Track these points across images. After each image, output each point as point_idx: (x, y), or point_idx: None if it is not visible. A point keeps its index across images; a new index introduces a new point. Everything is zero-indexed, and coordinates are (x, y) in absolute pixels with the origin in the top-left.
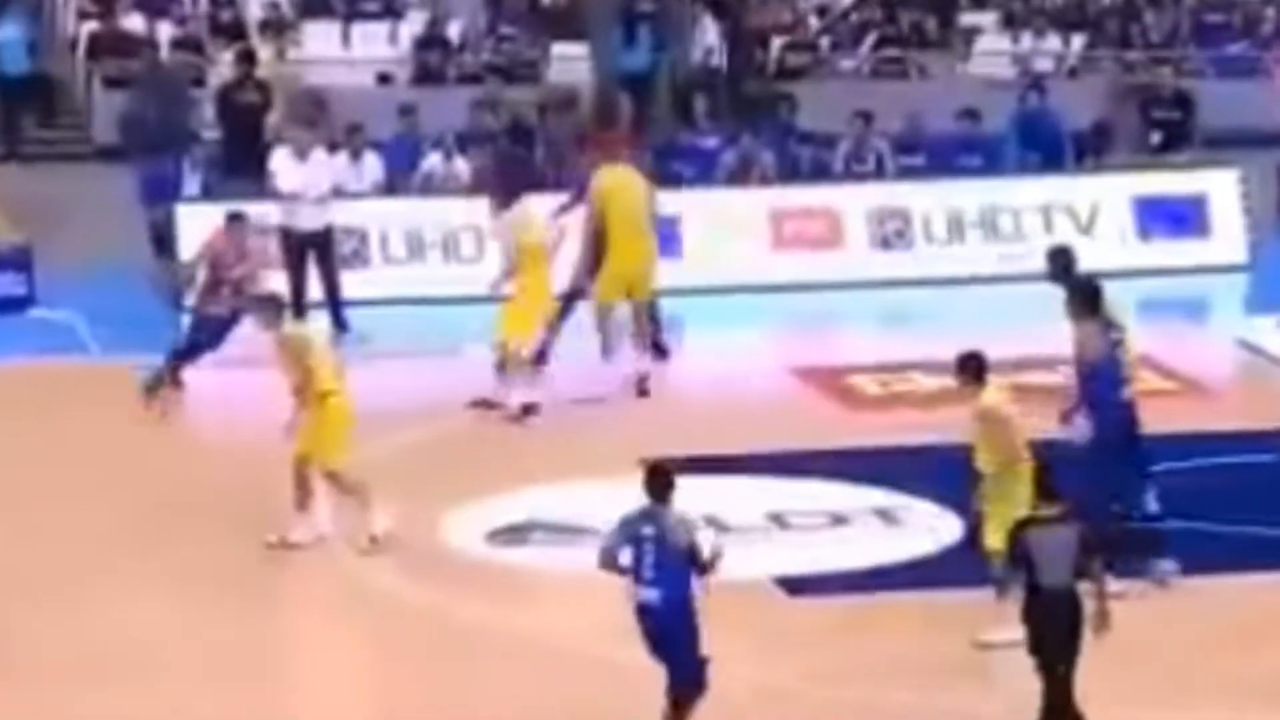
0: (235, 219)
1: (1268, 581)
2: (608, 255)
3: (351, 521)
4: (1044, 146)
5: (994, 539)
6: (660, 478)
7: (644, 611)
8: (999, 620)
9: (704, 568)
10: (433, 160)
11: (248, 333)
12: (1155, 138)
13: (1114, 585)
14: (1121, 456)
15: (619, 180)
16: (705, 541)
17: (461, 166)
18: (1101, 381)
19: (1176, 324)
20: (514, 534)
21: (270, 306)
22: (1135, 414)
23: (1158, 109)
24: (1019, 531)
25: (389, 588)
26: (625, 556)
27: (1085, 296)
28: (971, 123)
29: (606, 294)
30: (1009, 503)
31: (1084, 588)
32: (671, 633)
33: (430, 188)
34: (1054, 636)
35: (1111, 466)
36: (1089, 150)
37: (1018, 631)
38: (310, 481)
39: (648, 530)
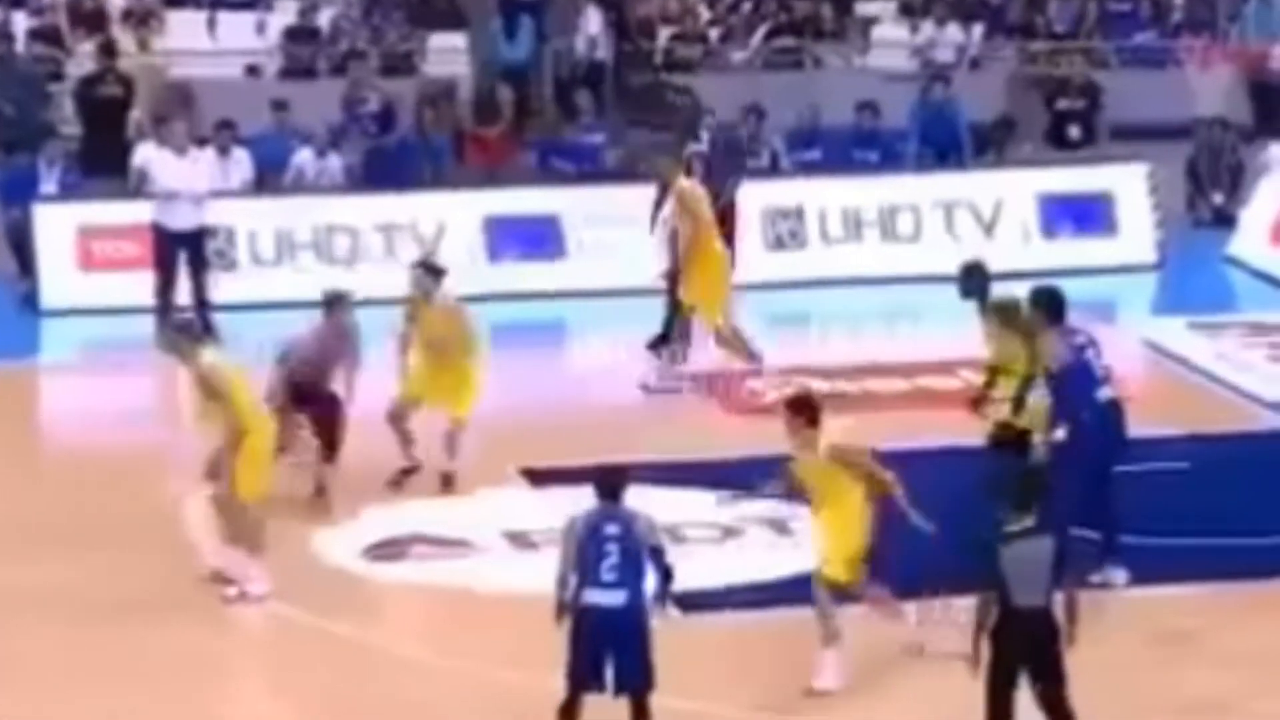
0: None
1: (1180, 595)
2: (707, 264)
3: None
4: (943, 141)
5: (835, 570)
6: (614, 477)
7: (597, 614)
8: (828, 665)
9: (668, 572)
10: (304, 156)
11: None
12: (1074, 131)
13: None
14: (1103, 462)
15: (694, 185)
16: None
17: (335, 163)
18: (1073, 388)
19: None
20: (392, 548)
21: (185, 336)
22: (1121, 415)
23: (1063, 99)
24: (994, 548)
25: (264, 606)
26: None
27: (1048, 307)
28: (870, 116)
29: (723, 308)
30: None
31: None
32: (631, 637)
33: (302, 185)
34: (1020, 658)
35: (1091, 473)
36: (991, 145)
37: (841, 675)
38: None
39: (611, 529)
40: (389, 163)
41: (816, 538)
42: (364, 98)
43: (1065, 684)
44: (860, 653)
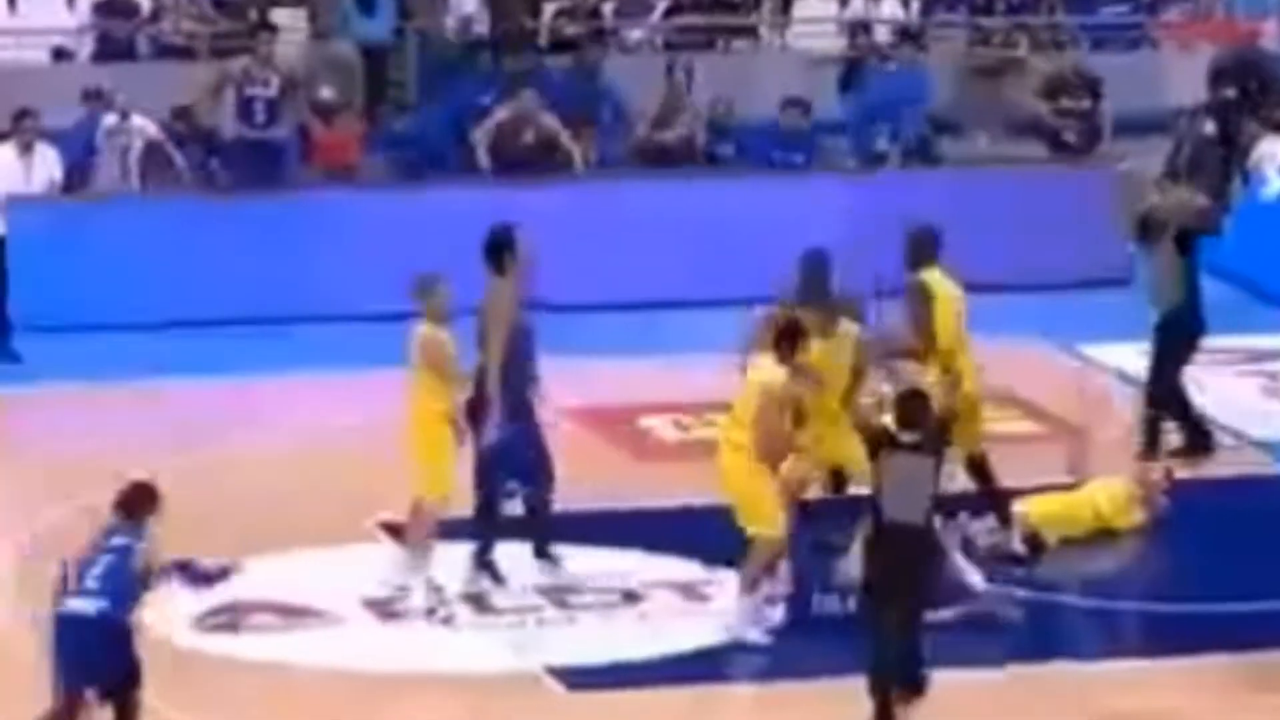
0: None
1: (1147, 670)
2: None
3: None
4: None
5: None
6: (133, 494)
7: (70, 623)
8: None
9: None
10: None
11: None
12: (1069, 136)
13: None
14: None
15: None
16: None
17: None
18: None
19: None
20: (227, 616)
21: None
22: None
23: (1067, 97)
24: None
25: None
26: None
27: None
28: (799, 116)
29: None
30: None
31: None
32: (99, 650)
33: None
34: (889, 575)
35: None
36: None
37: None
38: None
39: (117, 541)
40: (260, 162)
41: None
42: (266, 78)
43: (920, 606)
44: None
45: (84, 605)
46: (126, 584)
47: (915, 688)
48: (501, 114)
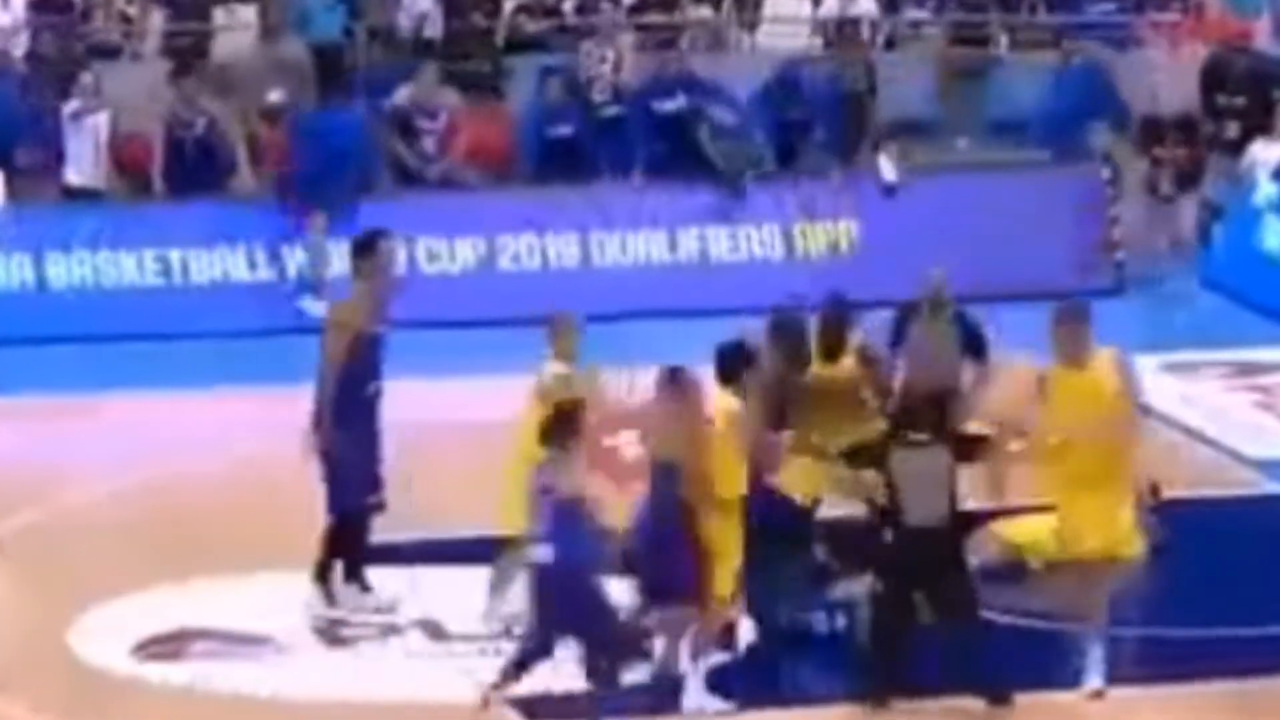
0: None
1: (1136, 698)
2: None
3: None
4: None
5: None
6: (558, 417)
7: (535, 573)
8: None
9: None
10: None
11: None
12: (1165, 185)
13: None
14: None
15: None
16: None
17: None
18: None
19: None
20: (168, 645)
21: None
22: None
23: (1160, 146)
24: (882, 450)
25: None
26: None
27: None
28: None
29: None
30: None
31: None
32: (560, 597)
33: None
34: (913, 582)
35: None
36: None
37: None
38: None
39: (542, 480)
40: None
41: None
42: (191, 120)
43: (972, 617)
44: None
45: (540, 553)
46: (561, 523)
47: (1003, 697)
48: (400, 99)
